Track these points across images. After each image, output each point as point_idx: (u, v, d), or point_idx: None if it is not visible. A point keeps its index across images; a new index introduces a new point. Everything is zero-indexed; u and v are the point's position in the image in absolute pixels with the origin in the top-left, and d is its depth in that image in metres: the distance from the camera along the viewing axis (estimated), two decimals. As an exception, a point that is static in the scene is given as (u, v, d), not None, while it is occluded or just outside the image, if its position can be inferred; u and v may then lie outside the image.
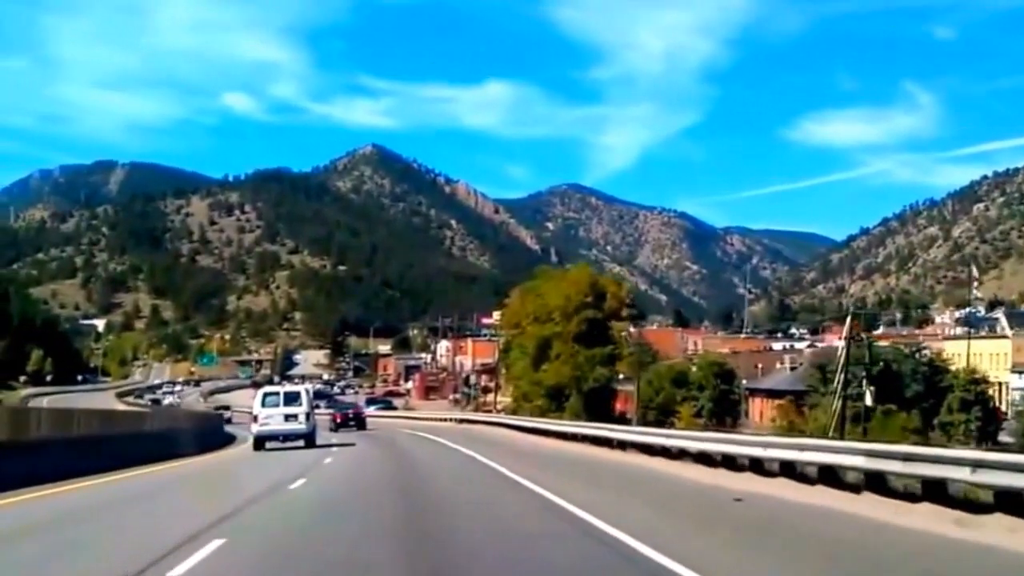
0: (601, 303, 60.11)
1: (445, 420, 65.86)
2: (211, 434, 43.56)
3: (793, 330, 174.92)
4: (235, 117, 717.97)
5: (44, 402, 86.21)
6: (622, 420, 56.22)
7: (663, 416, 66.38)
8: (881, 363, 58.57)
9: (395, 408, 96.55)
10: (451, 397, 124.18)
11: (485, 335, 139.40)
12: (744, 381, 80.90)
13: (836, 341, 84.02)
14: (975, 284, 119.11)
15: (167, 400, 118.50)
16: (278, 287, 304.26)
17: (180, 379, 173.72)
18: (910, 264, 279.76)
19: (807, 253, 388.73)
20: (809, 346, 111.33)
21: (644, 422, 57.40)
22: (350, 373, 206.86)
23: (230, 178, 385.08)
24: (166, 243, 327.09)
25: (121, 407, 77.28)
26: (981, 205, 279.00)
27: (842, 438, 32.03)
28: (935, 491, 11.78)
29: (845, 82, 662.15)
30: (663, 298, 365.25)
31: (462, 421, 62.79)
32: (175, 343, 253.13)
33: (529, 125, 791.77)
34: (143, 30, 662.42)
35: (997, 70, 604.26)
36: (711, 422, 65.18)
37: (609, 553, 9.31)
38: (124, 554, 9.27)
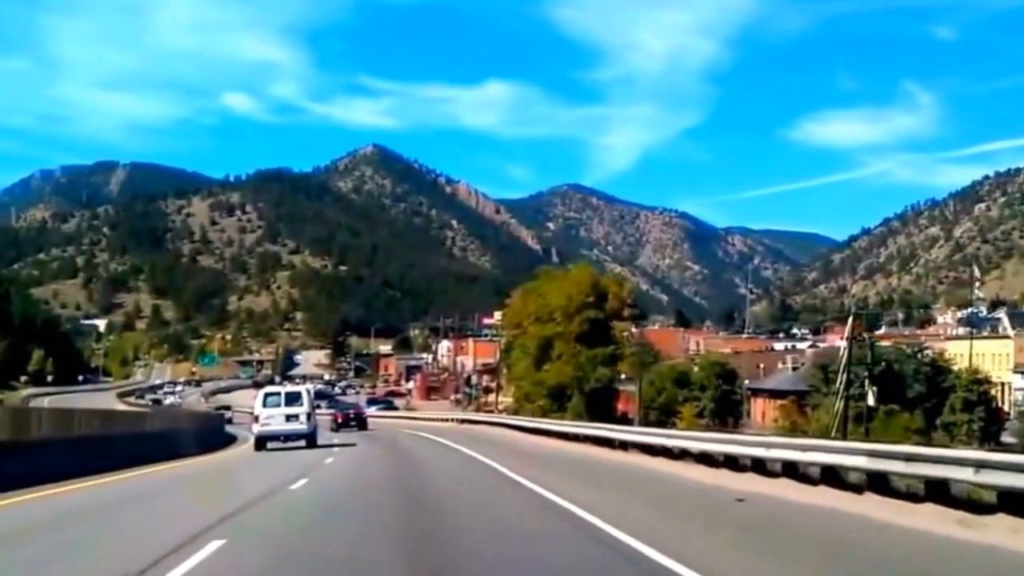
0: (603, 303, 60.02)
1: (446, 420, 65.78)
2: (212, 434, 43.51)
3: (795, 330, 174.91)
4: (236, 117, 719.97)
5: (45, 402, 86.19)
6: (624, 420, 56.13)
7: (665, 416, 66.37)
8: (883, 363, 58.50)
9: (396, 408, 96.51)
10: (452, 397, 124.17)
11: (486, 335, 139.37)
12: (746, 381, 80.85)
13: (838, 341, 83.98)
14: (977, 284, 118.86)
15: (168, 400, 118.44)
16: (279, 287, 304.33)
17: (181, 379, 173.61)
18: (912, 264, 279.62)
19: (808, 253, 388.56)
20: (811, 346, 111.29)
21: (646, 422, 57.31)
22: (351, 373, 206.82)
23: (231, 178, 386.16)
24: (167, 243, 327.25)
25: (122, 407, 77.27)
26: (982, 205, 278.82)
27: (844, 438, 31.95)
28: (938, 491, 11.73)
29: (846, 82, 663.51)
30: (664, 298, 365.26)
31: (463, 421, 62.72)
32: (176, 343, 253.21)
33: (530, 125, 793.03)
34: (144, 30, 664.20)
35: (998, 70, 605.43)
36: (713, 422, 65.18)
37: (610, 553, 9.26)
38: (123, 555, 9.21)
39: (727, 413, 71.66)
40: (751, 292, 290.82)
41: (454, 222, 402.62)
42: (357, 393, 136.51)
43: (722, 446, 19.53)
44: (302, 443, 33.57)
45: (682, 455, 21.59)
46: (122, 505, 15.39)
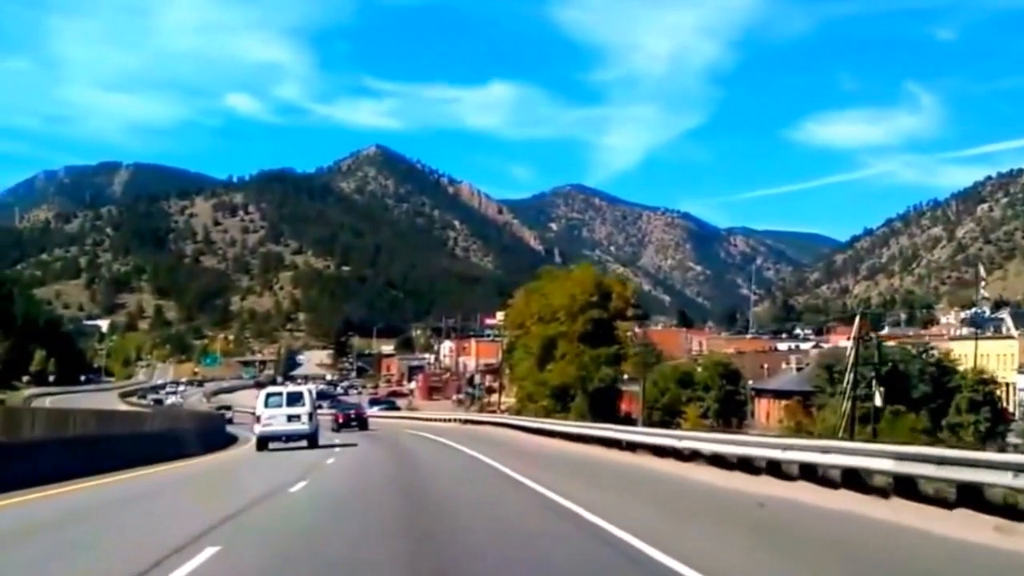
0: (606, 303, 59.70)
1: (448, 420, 65.54)
2: (213, 434, 43.32)
3: (797, 331, 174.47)
4: (239, 118, 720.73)
5: (47, 402, 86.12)
6: (627, 421, 55.81)
7: (668, 417, 66.11)
8: (889, 363, 58.16)
9: (398, 408, 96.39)
10: (454, 397, 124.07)
11: (488, 335, 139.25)
12: (750, 382, 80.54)
13: (842, 341, 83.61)
14: (983, 284, 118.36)
15: (169, 400, 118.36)
16: (282, 288, 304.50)
17: (183, 379, 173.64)
18: (914, 265, 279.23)
19: (811, 254, 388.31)
20: (814, 347, 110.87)
21: (649, 423, 57.04)
22: (353, 373, 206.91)
23: (234, 179, 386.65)
24: (170, 244, 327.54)
25: (124, 407, 77.11)
26: (985, 206, 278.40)
27: (852, 439, 31.61)
28: (971, 497, 11.20)
29: (848, 83, 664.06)
30: (666, 299, 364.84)
31: (466, 422, 62.49)
32: (179, 343, 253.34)
33: (533, 126, 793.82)
34: (147, 31, 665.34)
35: (999, 71, 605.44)
36: (717, 423, 64.88)
37: (613, 554, 9.08)
38: (123, 556, 9.07)
39: (731, 413, 71.35)
40: (754, 293, 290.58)
41: (457, 222, 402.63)
42: (359, 393, 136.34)
43: (736, 447, 18.93)
44: (304, 443, 33.50)
45: (693, 456, 21.04)
46: (115, 509, 15.17)
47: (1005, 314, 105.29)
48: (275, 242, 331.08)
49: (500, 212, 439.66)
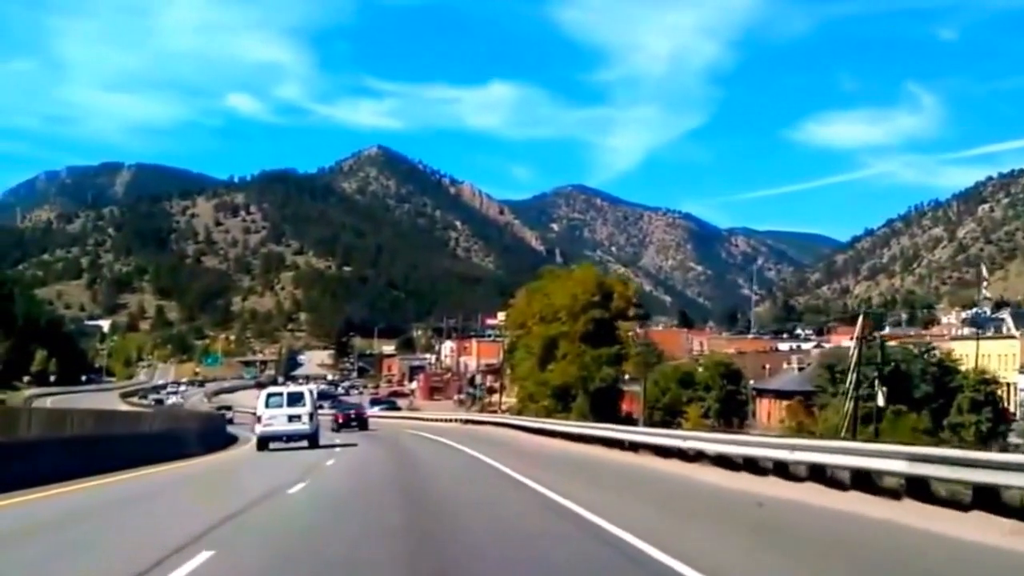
0: (608, 303, 59.63)
1: (449, 421, 65.49)
2: (213, 434, 43.28)
3: (798, 331, 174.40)
4: (240, 118, 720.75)
5: (48, 402, 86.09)
6: (628, 421, 55.77)
7: (669, 417, 66.04)
8: (891, 363, 58.07)
9: (399, 408, 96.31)
10: (456, 398, 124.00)
11: (489, 336, 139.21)
12: (751, 382, 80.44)
13: (844, 341, 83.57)
14: (985, 284, 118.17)
15: (170, 400, 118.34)
16: (283, 288, 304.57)
17: (184, 379, 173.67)
18: (915, 265, 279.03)
19: (811, 254, 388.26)
20: (815, 347, 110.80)
21: (650, 423, 57.00)
22: (354, 374, 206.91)
23: (235, 179, 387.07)
24: (171, 244, 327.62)
25: (124, 407, 77.14)
26: (986, 206, 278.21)
27: (854, 439, 31.57)
28: (987, 499, 11.01)
29: (848, 83, 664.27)
30: (667, 299, 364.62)
31: (467, 422, 62.45)
32: (180, 344, 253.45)
33: (534, 126, 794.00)
34: (148, 32, 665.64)
35: (1000, 71, 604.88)
36: (718, 423, 64.83)
37: (614, 554, 9.04)
38: (111, 563, 8.95)
39: (732, 413, 71.27)
40: (755, 293, 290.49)
41: (458, 223, 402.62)
42: (360, 393, 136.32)
43: (741, 448, 18.64)
44: (304, 443, 33.49)
45: (697, 457, 20.80)
46: (120, 506, 15.15)
47: (1006, 314, 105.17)
48: (276, 242, 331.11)
49: (501, 212, 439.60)
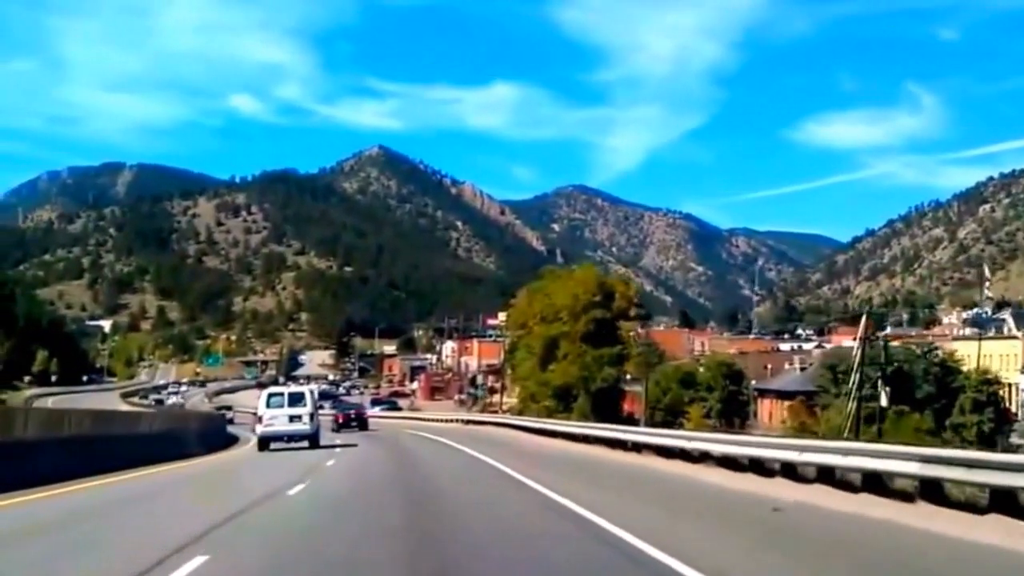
0: (609, 303, 59.54)
1: (450, 421, 65.40)
2: (214, 435, 43.22)
3: (799, 331, 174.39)
4: (242, 119, 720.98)
5: (49, 403, 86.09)
6: (630, 421, 55.69)
7: (671, 417, 65.95)
8: (894, 364, 57.97)
9: (400, 409, 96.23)
10: (456, 398, 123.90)
11: (490, 336, 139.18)
12: (753, 382, 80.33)
13: (845, 341, 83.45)
14: (987, 284, 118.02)
15: (170, 400, 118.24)
16: (284, 288, 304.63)
17: (185, 380, 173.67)
18: (915, 265, 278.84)
19: (812, 254, 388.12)
20: (817, 347, 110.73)
21: (652, 423, 56.93)
22: (355, 374, 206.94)
23: (237, 179, 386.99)
24: (173, 244, 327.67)
25: (125, 408, 77.12)
26: (987, 206, 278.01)
27: (857, 439, 31.47)
28: (1005, 502, 10.79)
29: (849, 84, 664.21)
30: (668, 299, 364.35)
31: (467, 422, 62.35)
32: (181, 344, 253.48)
33: (535, 126, 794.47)
34: (150, 32, 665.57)
35: (1001, 71, 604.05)
36: (720, 423, 64.74)
37: (615, 554, 8.99)
38: (111, 563, 8.90)
39: (734, 414, 71.15)
40: (756, 293, 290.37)
41: (459, 223, 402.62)
42: (361, 393, 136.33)
43: (748, 449, 18.29)
44: (305, 444, 33.48)
45: (702, 458, 20.55)
46: (121, 506, 15.12)
47: (1007, 314, 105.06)
48: (277, 242, 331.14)
49: (502, 213, 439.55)
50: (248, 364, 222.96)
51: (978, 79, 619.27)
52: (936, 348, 69.62)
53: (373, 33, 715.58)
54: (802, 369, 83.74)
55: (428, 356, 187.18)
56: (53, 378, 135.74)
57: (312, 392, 37.88)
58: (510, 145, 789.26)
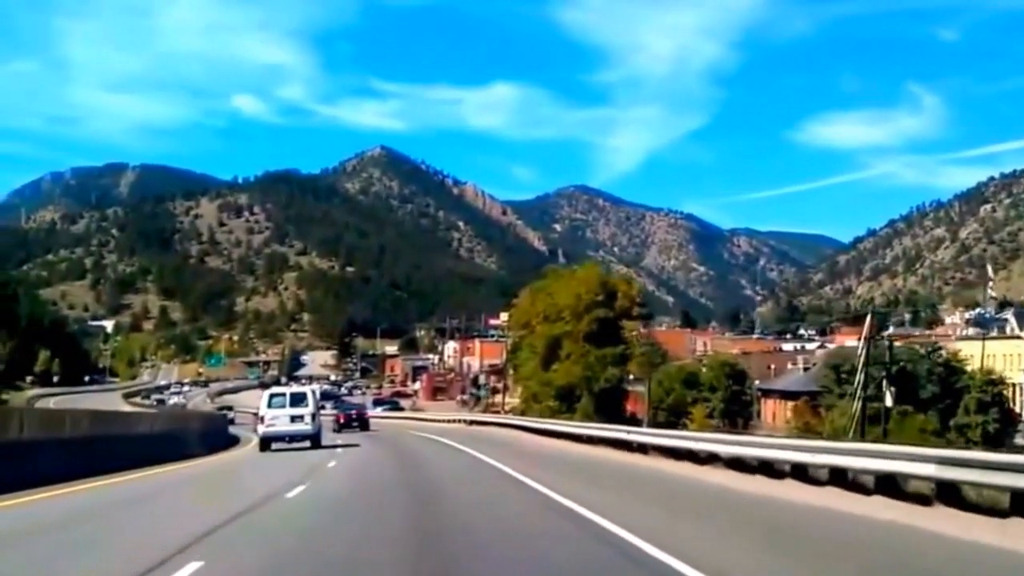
0: (612, 302, 59.36)
1: (452, 421, 65.28)
2: (215, 435, 43.12)
3: (802, 331, 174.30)
4: (244, 119, 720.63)
5: (51, 403, 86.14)
6: (633, 421, 55.54)
7: (674, 417, 65.81)
8: (898, 364, 57.76)
9: (402, 409, 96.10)
10: (459, 398, 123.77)
11: (492, 336, 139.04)
12: (756, 382, 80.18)
13: (848, 342, 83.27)
14: (990, 284, 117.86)
15: (172, 401, 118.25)
16: (286, 288, 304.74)
17: (187, 380, 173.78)
18: (917, 265, 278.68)
19: (814, 255, 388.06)
20: (819, 347, 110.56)
21: (655, 423, 56.78)
22: (357, 374, 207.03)
23: (239, 180, 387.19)
24: (175, 244, 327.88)
25: (127, 408, 77.08)
26: (988, 206, 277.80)
27: (862, 439, 31.33)
28: None
29: (850, 84, 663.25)
30: (670, 299, 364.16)
31: (470, 422, 62.24)
32: (183, 344, 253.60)
33: (536, 127, 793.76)
34: (152, 33, 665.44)
35: (1002, 71, 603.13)
36: (723, 423, 64.56)
37: (616, 554, 8.93)
38: (112, 563, 8.86)
39: (737, 414, 70.99)
40: (758, 293, 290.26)
41: (461, 223, 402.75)
42: (363, 394, 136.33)
43: (757, 450, 18.01)
44: (307, 444, 33.44)
45: (710, 459, 20.29)
46: (122, 507, 15.08)
47: (1009, 314, 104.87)
48: (280, 243, 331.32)
49: (504, 213, 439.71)
50: (250, 364, 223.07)
51: (978, 79, 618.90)
52: (940, 348, 69.39)
53: (374, 33, 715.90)
54: (805, 369, 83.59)
55: (430, 356, 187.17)
56: (55, 378, 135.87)
57: (314, 392, 37.85)
58: (511, 145, 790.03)
